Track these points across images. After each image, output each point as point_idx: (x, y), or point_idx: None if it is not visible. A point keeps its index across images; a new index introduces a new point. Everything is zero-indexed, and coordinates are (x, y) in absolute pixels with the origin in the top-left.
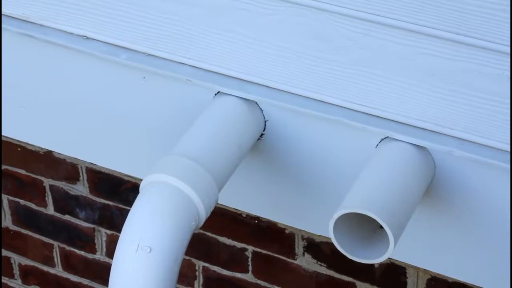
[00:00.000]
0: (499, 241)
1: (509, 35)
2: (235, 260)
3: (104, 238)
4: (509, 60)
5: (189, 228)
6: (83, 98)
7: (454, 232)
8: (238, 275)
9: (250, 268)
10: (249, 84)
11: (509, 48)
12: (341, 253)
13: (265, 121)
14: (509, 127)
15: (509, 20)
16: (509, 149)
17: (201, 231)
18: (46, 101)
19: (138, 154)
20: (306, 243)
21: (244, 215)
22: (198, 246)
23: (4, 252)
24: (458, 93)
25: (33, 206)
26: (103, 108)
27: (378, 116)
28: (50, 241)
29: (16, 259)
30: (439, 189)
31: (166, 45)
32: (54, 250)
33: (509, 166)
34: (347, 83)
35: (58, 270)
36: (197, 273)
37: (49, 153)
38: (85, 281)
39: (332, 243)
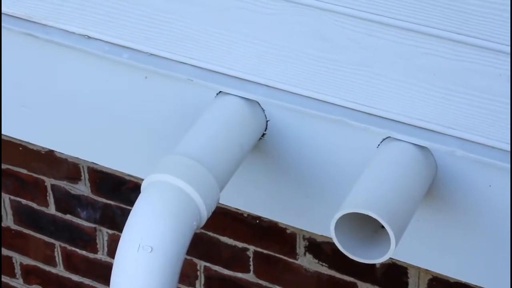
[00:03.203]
0: (501, 241)
1: (511, 35)
2: (237, 260)
3: (106, 238)
4: (510, 59)
5: (191, 228)
6: (84, 98)
7: (455, 232)
8: (240, 275)
9: (251, 268)
10: (250, 83)
11: (511, 48)
12: (342, 253)
13: (267, 121)
14: (510, 127)
15: (509, 20)
16: (509, 149)
17: (203, 230)
18: (48, 101)
19: (139, 154)
20: (307, 243)
21: (245, 215)
22: (199, 245)
23: (6, 252)
24: (460, 93)
25: (34, 205)
26: (104, 108)
27: (380, 116)
28: (52, 240)
29: (18, 259)
30: (440, 189)
31: (167, 45)
32: (55, 249)
33: (509, 165)
34: (348, 83)
35: (59, 270)
36: (198, 272)
37: (50, 153)
38: (86, 281)
39: (334, 243)
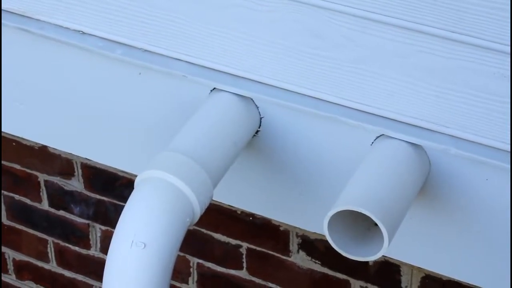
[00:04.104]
0: (494, 240)
1: (506, 34)
2: (230, 256)
3: (99, 234)
4: (504, 58)
5: (184, 225)
6: (78, 93)
7: (448, 230)
8: (233, 271)
9: (244, 264)
10: (245, 80)
11: (506, 46)
12: (335, 250)
13: (261, 118)
14: (505, 125)
15: (505, 19)
16: (504, 147)
17: (196, 227)
18: (41, 96)
19: (133, 150)
20: (300, 240)
21: (239, 212)
22: (192, 242)
23: None
24: (454, 91)
25: (27, 201)
26: (98, 104)
27: (374, 114)
28: (45, 236)
29: (11, 254)
30: (434, 187)
31: (162, 41)
32: (48, 245)
33: (503, 163)
34: (343, 81)
35: (52, 266)
36: (191, 269)
37: (44, 148)
38: (79, 277)
39: (327, 240)
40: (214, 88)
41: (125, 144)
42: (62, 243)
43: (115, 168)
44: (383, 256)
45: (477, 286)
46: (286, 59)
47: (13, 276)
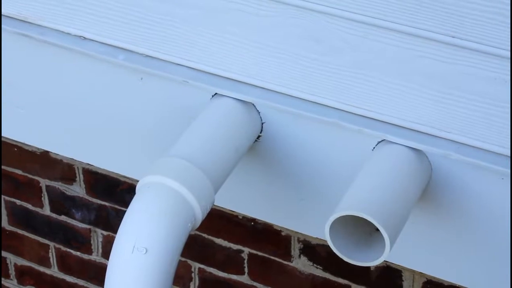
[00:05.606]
0: (495, 245)
1: (506, 39)
2: (231, 261)
3: (100, 239)
4: (505, 63)
5: (185, 230)
6: (80, 99)
7: (450, 235)
8: (234, 277)
9: (246, 270)
10: (246, 86)
11: (506, 51)
12: (337, 255)
13: (262, 123)
14: (506, 130)
15: (505, 24)
16: (505, 152)
17: (197, 232)
18: (43, 101)
19: (134, 155)
20: (302, 245)
21: (240, 217)
22: (194, 247)
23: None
24: (455, 96)
25: (29, 206)
26: (100, 109)
27: (375, 119)
28: (46, 241)
29: (12, 259)
30: (435, 192)
31: (163, 46)
32: (50, 250)
33: (504, 169)
34: (344, 86)
35: (54, 271)
36: (193, 274)
37: (45, 154)
38: (80, 282)
39: (328, 246)
40: (216, 93)
41: (127, 149)
42: (63, 248)
43: (117, 173)
44: (384, 261)
45: None
46: (287, 64)
47: (15, 281)
